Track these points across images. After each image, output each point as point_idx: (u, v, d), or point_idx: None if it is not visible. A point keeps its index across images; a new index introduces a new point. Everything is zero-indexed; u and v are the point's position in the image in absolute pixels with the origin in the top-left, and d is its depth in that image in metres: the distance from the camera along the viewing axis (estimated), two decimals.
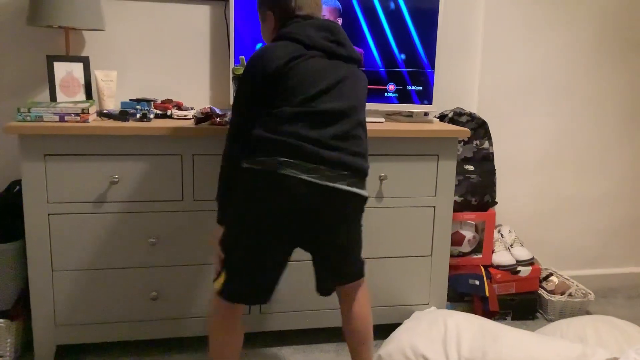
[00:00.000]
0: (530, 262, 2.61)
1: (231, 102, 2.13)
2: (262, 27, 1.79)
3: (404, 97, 2.36)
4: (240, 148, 1.63)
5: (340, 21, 2.26)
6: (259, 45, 2.26)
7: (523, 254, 2.63)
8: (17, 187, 2.23)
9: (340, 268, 1.72)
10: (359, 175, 1.61)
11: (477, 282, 2.52)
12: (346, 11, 2.26)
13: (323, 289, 1.79)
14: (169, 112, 2.22)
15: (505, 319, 2.59)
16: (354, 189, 1.59)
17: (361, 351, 1.81)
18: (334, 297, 2.24)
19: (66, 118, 1.98)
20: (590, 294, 2.63)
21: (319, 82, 1.57)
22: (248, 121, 1.61)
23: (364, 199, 1.66)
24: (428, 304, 2.35)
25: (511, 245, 2.69)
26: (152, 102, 2.22)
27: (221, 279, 1.63)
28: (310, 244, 1.67)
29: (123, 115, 2.08)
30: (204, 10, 2.42)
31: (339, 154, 1.55)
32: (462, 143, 2.63)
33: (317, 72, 1.58)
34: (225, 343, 1.69)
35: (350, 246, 1.71)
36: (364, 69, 2.30)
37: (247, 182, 1.57)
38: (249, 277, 1.61)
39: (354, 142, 1.60)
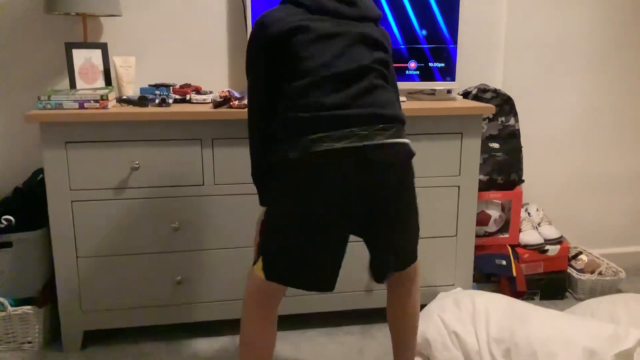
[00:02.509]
0: (558, 241, 2.55)
1: None
2: None
3: (426, 74, 2.30)
4: (263, 125, 1.52)
5: None
6: None
7: (551, 232, 2.57)
8: (41, 176, 2.24)
9: (395, 247, 1.57)
10: (396, 124, 1.46)
11: (504, 262, 2.47)
12: None
13: (379, 275, 1.60)
14: (187, 97, 2.21)
15: (534, 299, 2.54)
16: (395, 140, 1.44)
17: (406, 348, 1.74)
18: (351, 280, 2.23)
19: (86, 105, 1.98)
20: (621, 272, 2.57)
21: (330, 47, 1.45)
22: (265, 94, 1.51)
23: (408, 150, 1.49)
24: (453, 284, 2.32)
25: (539, 224, 2.64)
26: (171, 87, 2.20)
27: (259, 264, 1.54)
28: (363, 223, 1.51)
29: (142, 100, 2.07)
30: None
31: (367, 109, 1.42)
32: (487, 120, 2.57)
33: (325, 37, 1.46)
34: (257, 329, 1.58)
35: (406, 218, 1.55)
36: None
37: (282, 173, 1.45)
38: (291, 267, 1.49)
39: (381, 93, 1.47)
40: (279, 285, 1.54)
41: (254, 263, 1.57)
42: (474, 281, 2.43)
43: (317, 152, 1.38)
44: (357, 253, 2.16)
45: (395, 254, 1.59)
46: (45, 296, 2.11)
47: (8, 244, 2.03)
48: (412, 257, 1.64)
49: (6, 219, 2.05)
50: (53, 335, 2.18)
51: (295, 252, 1.47)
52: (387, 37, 1.60)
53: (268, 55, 1.48)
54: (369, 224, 1.52)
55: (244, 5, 2.40)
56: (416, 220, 1.61)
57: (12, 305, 2.05)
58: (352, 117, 1.40)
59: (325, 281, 1.51)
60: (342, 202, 1.43)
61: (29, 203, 2.16)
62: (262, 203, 1.63)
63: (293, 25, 1.45)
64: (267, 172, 1.56)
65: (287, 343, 2.17)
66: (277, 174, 1.48)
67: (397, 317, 1.72)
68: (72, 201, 1.99)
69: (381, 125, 1.42)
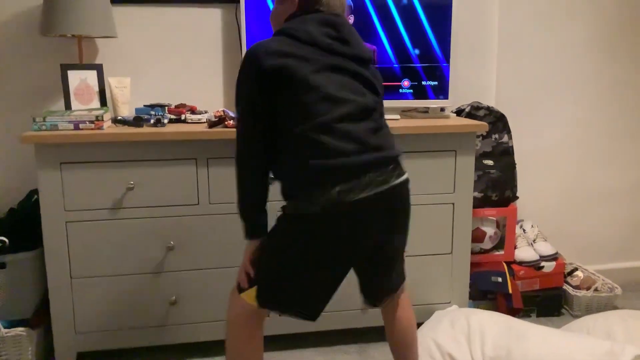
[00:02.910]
0: (554, 257, 2.55)
1: None
2: (278, 8, 1.59)
3: (419, 92, 2.32)
4: (254, 156, 1.51)
5: (352, 19, 2.24)
6: None
7: (546, 249, 2.57)
8: (36, 196, 2.24)
9: (390, 274, 1.61)
10: (399, 162, 1.51)
11: (499, 279, 2.47)
12: (358, 7, 2.23)
13: (373, 300, 1.66)
14: (182, 117, 2.22)
15: (530, 316, 2.53)
16: (403, 177, 1.48)
17: (407, 357, 1.74)
18: (351, 297, 2.22)
19: (81, 126, 1.99)
20: (617, 288, 2.57)
21: (331, 82, 1.44)
22: (257, 124, 1.48)
23: (408, 182, 1.53)
24: (450, 302, 2.31)
25: (534, 241, 2.64)
26: (166, 107, 2.21)
27: (251, 293, 1.52)
28: (370, 256, 1.56)
29: (137, 121, 2.08)
30: (215, 14, 2.41)
31: (380, 152, 1.44)
32: (481, 137, 2.58)
33: (325, 69, 1.45)
34: (246, 352, 1.57)
35: (402, 247, 1.61)
36: (377, 65, 2.27)
37: (300, 224, 1.44)
38: (292, 300, 1.51)
39: (385, 133, 1.50)
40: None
41: (240, 290, 1.55)
42: (470, 298, 2.42)
43: (345, 204, 1.38)
44: (351, 272, 2.15)
45: (391, 277, 1.62)
46: (38, 317, 2.09)
47: (2, 265, 2.02)
48: (403, 276, 1.68)
49: (0, 240, 2.05)
50: (46, 357, 2.16)
51: (300, 290, 1.49)
52: (379, 79, 1.60)
53: (261, 87, 1.44)
54: (376, 256, 1.56)
55: (238, 26, 2.42)
56: (404, 249, 1.66)
57: (5, 327, 2.04)
58: (369, 162, 1.42)
59: (317, 312, 1.53)
60: (359, 245, 1.46)
61: (24, 224, 2.16)
62: (251, 237, 1.56)
63: (289, 59, 1.42)
64: (266, 175, 1.54)
65: None
66: (293, 225, 1.46)
67: (391, 336, 1.72)
68: (66, 222, 1.99)
69: (392, 166, 1.46)
